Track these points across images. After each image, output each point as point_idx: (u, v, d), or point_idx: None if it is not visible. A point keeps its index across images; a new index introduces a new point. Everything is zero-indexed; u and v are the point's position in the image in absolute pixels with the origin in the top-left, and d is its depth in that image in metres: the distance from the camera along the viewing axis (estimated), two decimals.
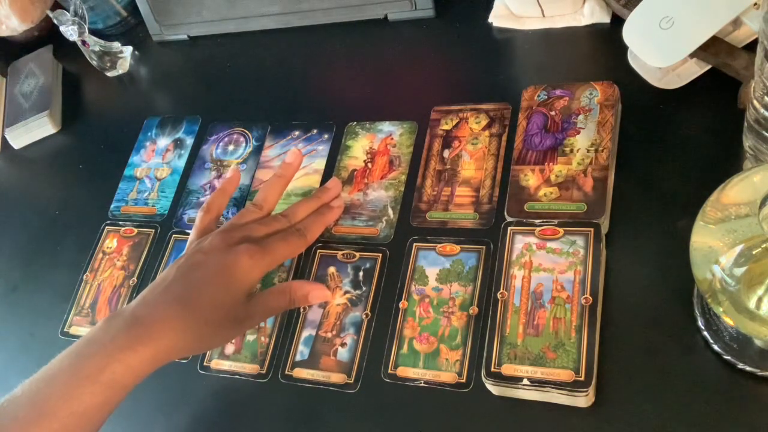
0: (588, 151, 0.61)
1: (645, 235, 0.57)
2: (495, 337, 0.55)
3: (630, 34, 0.62)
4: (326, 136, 0.75)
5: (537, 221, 0.59)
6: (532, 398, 0.53)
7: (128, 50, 0.94)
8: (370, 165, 0.71)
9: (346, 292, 0.63)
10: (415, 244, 0.64)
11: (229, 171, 0.73)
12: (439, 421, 0.55)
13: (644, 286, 0.55)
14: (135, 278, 0.72)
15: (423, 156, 0.69)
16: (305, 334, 0.62)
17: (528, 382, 0.52)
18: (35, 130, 0.91)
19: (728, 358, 0.50)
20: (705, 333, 0.51)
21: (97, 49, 0.90)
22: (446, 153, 0.68)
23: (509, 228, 0.60)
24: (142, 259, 0.74)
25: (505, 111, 0.68)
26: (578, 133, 0.62)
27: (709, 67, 0.61)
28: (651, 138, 0.62)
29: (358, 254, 0.65)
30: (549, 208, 0.60)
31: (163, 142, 0.83)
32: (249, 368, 0.63)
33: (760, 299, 0.41)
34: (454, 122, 0.70)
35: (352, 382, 0.59)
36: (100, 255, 0.76)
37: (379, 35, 0.82)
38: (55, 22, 0.87)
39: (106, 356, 0.52)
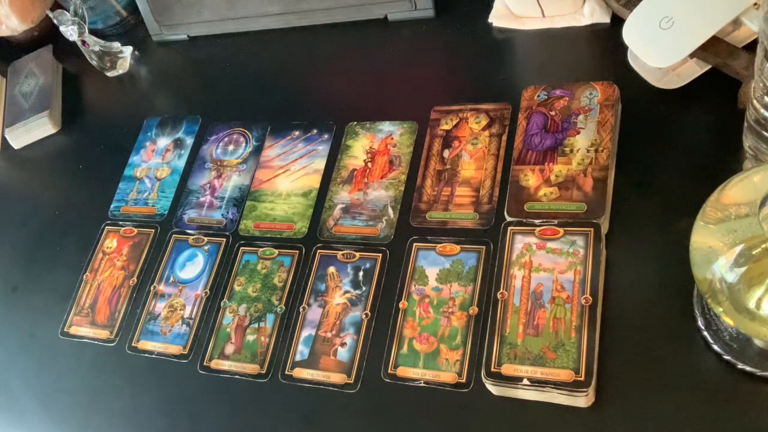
0: (588, 151, 0.61)
1: (645, 235, 0.57)
2: (495, 337, 0.55)
3: (630, 34, 0.62)
4: (326, 136, 0.75)
5: (537, 221, 0.59)
6: (532, 398, 0.53)
7: (128, 50, 0.94)
8: (370, 164, 0.71)
9: (346, 292, 0.63)
10: (415, 244, 0.64)
11: None
12: (439, 421, 0.55)
13: (644, 286, 0.55)
14: (135, 278, 0.72)
15: (423, 156, 0.69)
16: (305, 334, 0.62)
17: (528, 382, 0.52)
18: (35, 130, 0.91)
19: (728, 358, 0.50)
20: (705, 333, 0.51)
21: (97, 49, 0.91)
22: (446, 153, 0.68)
23: (509, 228, 0.60)
24: (142, 259, 0.74)
25: (505, 111, 0.68)
26: (578, 133, 0.62)
27: (709, 67, 0.61)
28: (651, 138, 0.62)
29: (358, 254, 0.65)
30: (549, 208, 0.60)
31: (163, 142, 0.83)
32: (249, 368, 0.63)
33: (760, 299, 0.41)
34: (454, 122, 0.70)
35: (352, 382, 0.59)
36: (100, 255, 0.76)
37: (379, 35, 0.82)
38: (55, 22, 0.87)
39: None
